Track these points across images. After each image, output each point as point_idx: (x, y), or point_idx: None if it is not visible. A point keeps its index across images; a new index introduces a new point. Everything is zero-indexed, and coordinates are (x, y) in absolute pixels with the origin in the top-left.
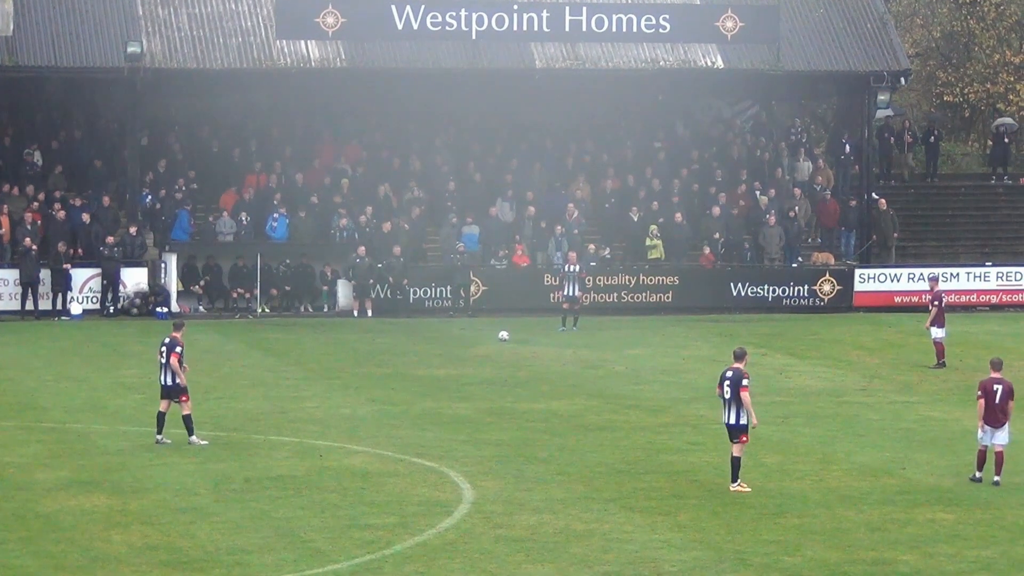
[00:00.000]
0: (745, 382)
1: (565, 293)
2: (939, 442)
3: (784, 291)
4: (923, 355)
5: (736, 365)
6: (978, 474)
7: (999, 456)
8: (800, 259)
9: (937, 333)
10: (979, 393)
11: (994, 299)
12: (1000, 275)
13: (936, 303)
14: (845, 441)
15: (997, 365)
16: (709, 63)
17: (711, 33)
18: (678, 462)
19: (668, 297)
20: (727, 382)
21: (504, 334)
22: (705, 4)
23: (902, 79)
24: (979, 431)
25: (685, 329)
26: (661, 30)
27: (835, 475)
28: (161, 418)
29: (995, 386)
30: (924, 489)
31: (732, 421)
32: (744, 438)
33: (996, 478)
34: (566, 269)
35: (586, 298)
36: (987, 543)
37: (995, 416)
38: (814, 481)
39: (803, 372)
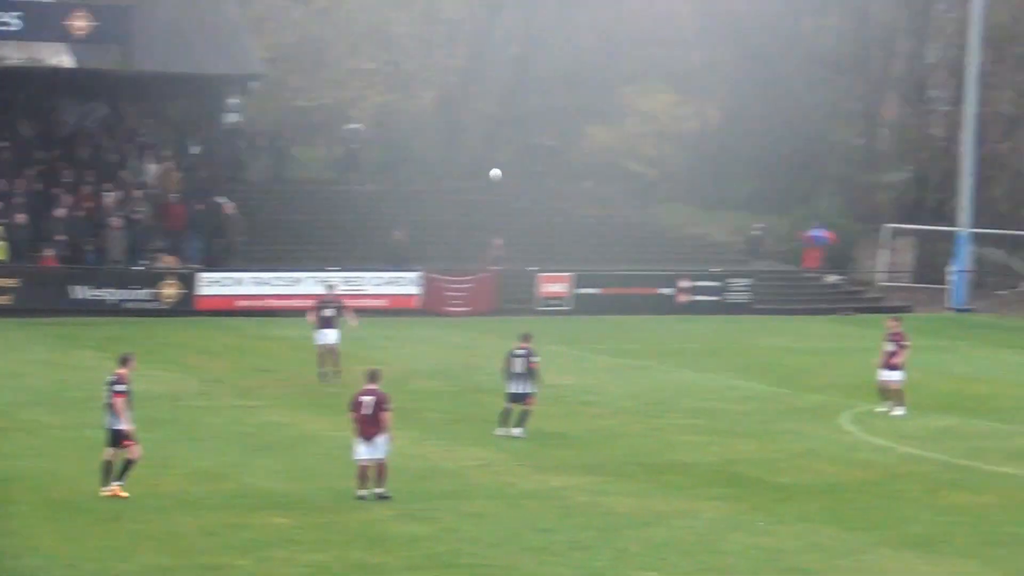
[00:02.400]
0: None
1: None
2: (277, 446)
3: (126, 294)
4: (265, 359)
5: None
6: (361, 492)
7: (381, 467)
8: (146, 262)
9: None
10: (351, 407)
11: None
12: (345, 280)
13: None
14: (182, 445)
15: (372, 376)
16: (57, 62)
17: (61, 32)
18: (9, 468)
19: (9, 300)
20: (365, 400)
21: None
22: (57, 2)
23: (252, 83)
24: (356, 446)
25: (26, 332)
26: (11, 27)
27: (172, 480)
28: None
29: (364, 398)
30: (261, 494)
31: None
32: (129, 443)
33: (379, 490)
34: None
35: None
36: (322, 547)
37: (367, 428)
38: (150, 486)
39: (141, 376)
